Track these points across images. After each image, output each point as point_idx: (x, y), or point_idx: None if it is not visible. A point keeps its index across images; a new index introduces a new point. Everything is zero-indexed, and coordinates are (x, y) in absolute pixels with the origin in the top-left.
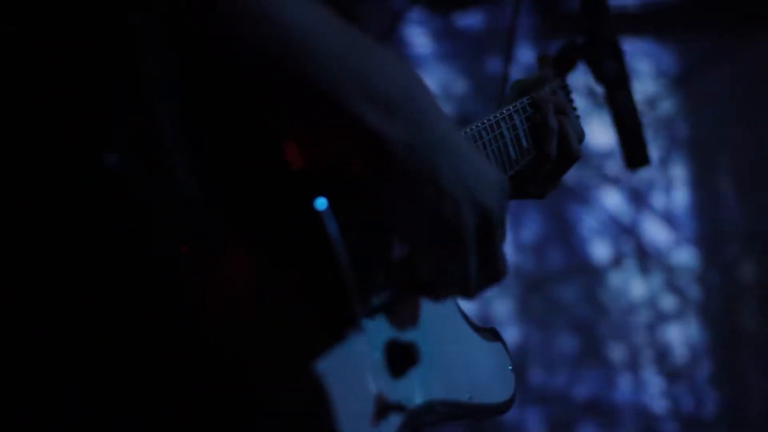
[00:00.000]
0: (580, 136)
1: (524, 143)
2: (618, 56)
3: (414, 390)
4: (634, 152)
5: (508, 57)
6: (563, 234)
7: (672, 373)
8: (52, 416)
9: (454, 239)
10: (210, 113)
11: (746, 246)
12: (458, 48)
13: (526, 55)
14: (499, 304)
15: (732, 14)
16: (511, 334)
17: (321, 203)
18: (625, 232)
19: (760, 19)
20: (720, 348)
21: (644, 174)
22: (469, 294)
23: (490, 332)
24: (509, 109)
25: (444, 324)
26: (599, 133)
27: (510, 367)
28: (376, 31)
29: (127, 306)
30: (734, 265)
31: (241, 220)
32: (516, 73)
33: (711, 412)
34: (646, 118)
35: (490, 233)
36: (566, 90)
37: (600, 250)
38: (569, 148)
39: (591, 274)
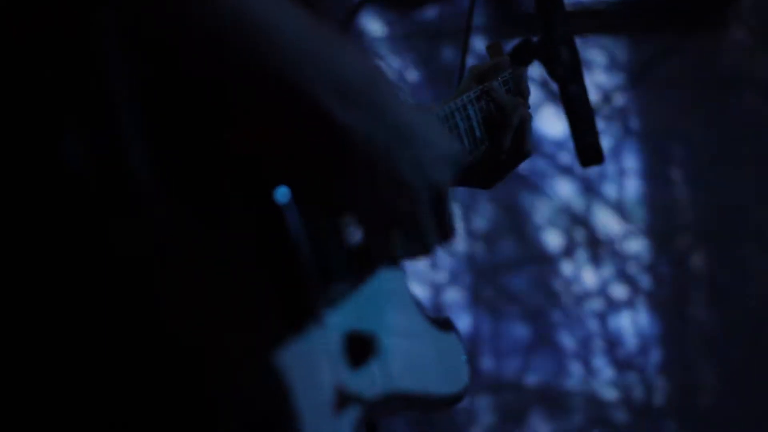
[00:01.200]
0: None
1: (477, 133)
2: (573, 55)
3: (372, 381)
4: (587, 150)
5: (464, 50)
6: (515, 223)
7: (623, 362)
8: None
9: (410, 218)
10: (166, 102)
11: (697, 237)
12: (413, 36)
13: (480, 46)
14: (451, 293)
15: (685, 10)
16: (463, 322)
17: (282, 193)
18: (577, 221)
19: (712, 15)
20: (670, 337)
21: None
22: (422, 254)
23: (443, 322)
24: (463, 99)
25: (401, 315)
26: (552, 123)
27: (464, 358)
28: (334, 21)
29: (79, 298)
30: (685, 255)
31: (198, 210)
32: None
33: (661, 401)
34: (601, 110)
35: (441, 204)
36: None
37: (552, 240)
38: (523, 142)
39: (543, 263)
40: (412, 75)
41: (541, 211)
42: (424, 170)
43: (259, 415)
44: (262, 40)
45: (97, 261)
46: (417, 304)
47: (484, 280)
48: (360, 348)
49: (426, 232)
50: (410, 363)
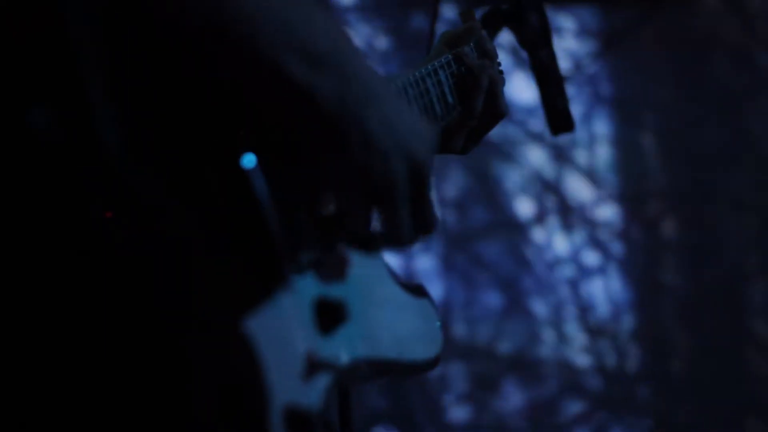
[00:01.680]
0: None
1: (449, 99)
2: (542, 23)
3: (343, 347)
4: (557, 119)
5: (433, 17)
6: (486, 190)
7: (595, 328)
8: None
9: (385, 191)
10: (133, 69)
11: (669, 202)
12: (383, 4)
13: (450, 14)
14: (422, 260)
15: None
16: (435, 289)
17: (249, 160)
18: (548, 188)
19: None
20: (643, 303)
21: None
22: (400, 245)
23: (416, 289)
24: (434, 65)
25: (372, 281)
26: (522, 90)
27: (438, 324)
28: None
29: (49, 265)
30: (656, 221)
31: (167, 179)
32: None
33: (634, 367)
34: (571, 77)
35: (419, 184)
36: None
37: (523, 206)
38: (497, 104)
39: (514, 230)
40: (382, 42)
41: (512, 178)
42: (397, 137)
43: (229, 380)
44: (224, 2)
45: (67, 227)
46: (390, 270)
47: (456, 248)
48: (330, 314)
49: (401, 213)
50: (382, 329)
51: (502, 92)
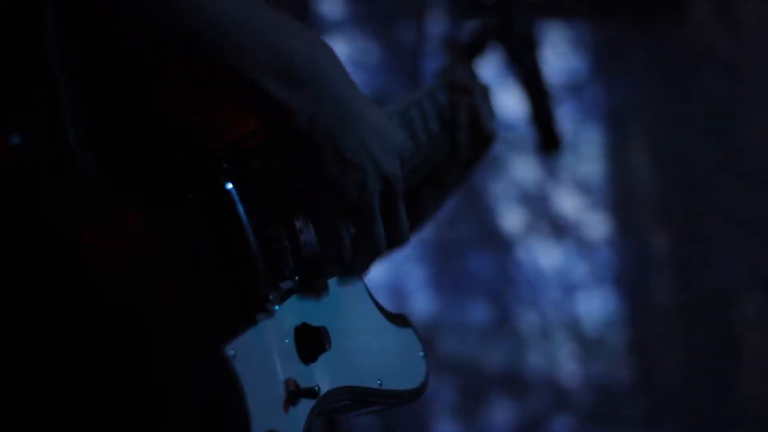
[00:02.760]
0: (491, 114)
1: (433, 127)
2: (531, 40)
3: (325, 376)
4: (547, 138)
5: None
6: (474, 203)
7: (584, 343)
8: None
9: (359, 206)
10: (110, 91)
11: (660, 216)
12: (371, 14)
13: (439, 30)
14: (411, 273)
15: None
16: (422, 303)
17: (229, 184)
18: (537, 201)
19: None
20: (632, 318)
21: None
22: (373, 258)
23: (400, 318)
24: (419, 94)
25: (355, 310)
26: (509, 101)
27: (421, 354)
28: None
29: (29, 282)
30: (648, 235)
31: (146, 199)
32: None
33: (624, 382)
34: (563, 89)
35: (392, 199)
36: (474, 73)
37: (511, 220)
38: (482, 131)
39: (502, 243)
40: (371, 57)
41: (499, 190)
42: (372, 153)
43: (208, 404)
44: (198, 15)
45: (46, 248)
46: (373, 300)
47: (444, 261)
48: (312, 343)
49: (375, 227)
50: (364, 358)
51: (485, 118)
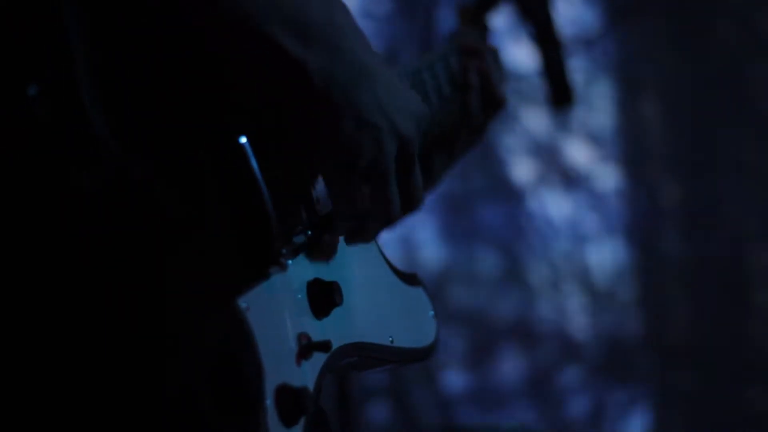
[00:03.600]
0: (502, 78)
1: (445, 91)
2: None
3: (337, 331)
4: (558, 92)
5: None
6: (485, 154)
7: (594, 294)
8: None
9: (375, 167)
10: (124, 50)
11: (670, 167)
12: None
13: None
14: (422, 224)
15: None
16: (433, 253)
17: (242, 139)
18: (547, 152)
19: None
20: (643, 270)
21: None
22: (387, 221)
23: (411, 277)
24: (431, 58)
25: (366, 266)
26: (520, 53)
27: (432, 313)
28: None
29: (44, 245)
30: (657, 186)
31: (159, 155)
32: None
33: (634, 334)
34: (574, 41)
35: (407, 161)
36: (485, 36)
37: (522, 170)
38: (492, 96)
39: (513, 194)
40: (383, 6)
41: (510, 142)
42: (389, 115)
43: (221, 354)
44: None
45: (60, 208)
46: (385, 258)
47: (455, 212)
48: (324, 298)
49: (390, 189)
50: (377, 315)
51: (496, 82)
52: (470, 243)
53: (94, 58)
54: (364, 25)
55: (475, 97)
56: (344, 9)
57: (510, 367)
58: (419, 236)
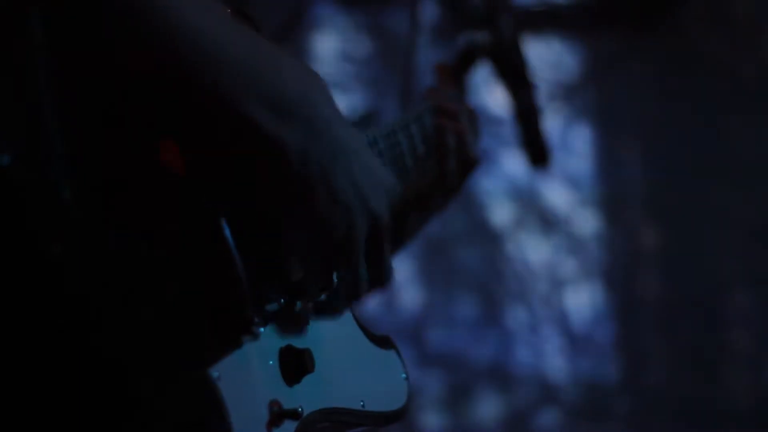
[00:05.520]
0: (477, 137)
1: (420, 151)
2: (520, 54)
3: (308, 397)
4: (535, 152)
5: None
6: (464, 197)
7: (572, 338)
8: None
9: (345, 246)
10: (96, 120)
11: (648, 211)
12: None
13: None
14: (400, 267)
15: (636, 11)
16: (411, 296)
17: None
18: (526, 196)
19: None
20: (621, 313)
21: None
22: (356, 299)
23: (384, 339)
24: (406, 118)
25: (339, 331)
26: (498, 97)
27: (403, 375)
28: (275, 28)
29: (10, 308)
30: (636, 230)
31: (130, 224)
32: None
33: (611, 378)
34: (553, 88)
35: (378, 239)
36: (462, 95)
37: (501, 213)
38: (467, 155)
39: (491, 237)
40: (362, 49)
41: (489, 185)
42: (361, 192)
43: (190, 427)
44: (188, 46)
45: (29, 277)
46: (357, 322)
47: (433, 255)
48: (296, 365)
49: (359, 268)
50: (347, 380)
51: (471, 143)
52: (448, 286)
53: (67, 129)
54: (344, 67)
55: (450, 158)
56: (320, 83)
57: (487, 409)
58: (397, 278)
